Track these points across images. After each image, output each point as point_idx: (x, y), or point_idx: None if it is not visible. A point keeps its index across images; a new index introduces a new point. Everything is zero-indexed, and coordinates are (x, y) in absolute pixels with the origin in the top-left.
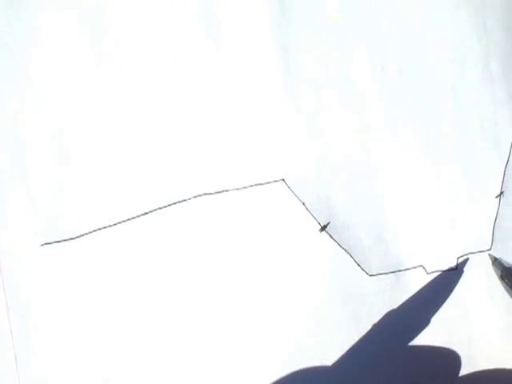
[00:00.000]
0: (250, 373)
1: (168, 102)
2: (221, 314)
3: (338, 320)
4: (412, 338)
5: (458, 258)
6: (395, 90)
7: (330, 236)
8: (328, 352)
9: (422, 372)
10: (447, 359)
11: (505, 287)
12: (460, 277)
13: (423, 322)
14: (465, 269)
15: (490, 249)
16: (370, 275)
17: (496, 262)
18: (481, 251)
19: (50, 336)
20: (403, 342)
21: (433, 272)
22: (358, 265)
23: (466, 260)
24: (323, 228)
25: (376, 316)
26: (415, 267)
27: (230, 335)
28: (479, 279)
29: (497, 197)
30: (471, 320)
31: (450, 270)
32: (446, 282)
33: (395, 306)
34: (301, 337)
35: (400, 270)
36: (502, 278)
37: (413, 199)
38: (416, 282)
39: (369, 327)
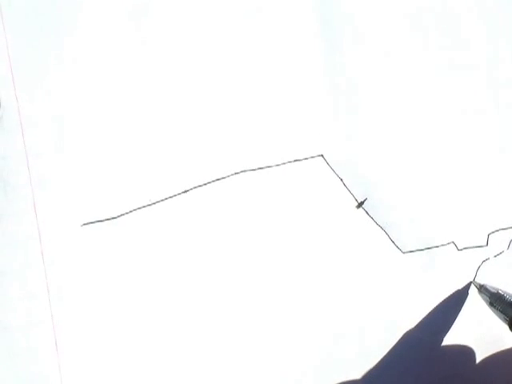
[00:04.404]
0: (285, 349)
1: (206, 78)
2: (259, 287)
3: (372, 296)
4: (426, 357)
5: (488, 235)
6: (433, 63)
7: (367, 212)
8: (361, 329)
9: (438, 374)
10: (459, 355)
11: (496, 313)
12: (466, 298)
13: (436, 342)
14: (470, 291)
15: None
16: (404, 252)
17: (482, 288)
18: (511, 227)
19: (91, 316)
20: (419, 358)
21: (463, 249)
22: (393, 242)
23: (469, 284)
24: (360, 204)
25: (408, 293)
26: (446, 244)
27: (269, 311)
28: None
29: None
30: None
31: (480, 246)
32: (454, 303)
33: (427, 283)
34: (335, 311)
35: (432, 247)
36: (492, 304)
37: (445, 176)
38: (447, 258)
39: (400, 304)
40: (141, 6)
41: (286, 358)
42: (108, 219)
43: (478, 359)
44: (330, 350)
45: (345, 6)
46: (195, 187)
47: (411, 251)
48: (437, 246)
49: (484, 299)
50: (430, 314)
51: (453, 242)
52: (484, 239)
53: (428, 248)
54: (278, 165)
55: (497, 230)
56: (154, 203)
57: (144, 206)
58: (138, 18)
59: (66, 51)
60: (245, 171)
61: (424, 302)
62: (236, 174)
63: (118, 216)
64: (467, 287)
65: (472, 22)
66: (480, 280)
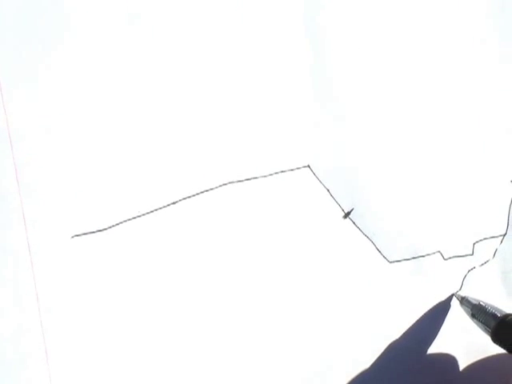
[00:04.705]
0: (272, 359)
1: (191, 89)
2: (249, 297)
3: (358, 306)
4: (411, 367)
5: (474, 244)
6: (423, 77)
7: (353, 223)
8: (348, 339)
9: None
10: (443, 364)
11: (478, 325)
12: (448, 311)
13: (419, 354)
14: (452, 303)
15: (506, 233)
16: (390, 262)
17: (464, 300)
18: (496, 236)
19: (81, 328)
20: (404, 368)
21: (449, 258)
22: (379, 251)
23: (451, 296)
24: (347, 215)
25: (395, 302)
26: (433, 253)
27: (256, 322)
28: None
29: (511, 181)
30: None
31: (466, 255)
32: (436, 316)
33: (413, 292)
34: (320, 322)
35: (418, 257)
36: (474, 315)
37: (430, 186)
38: (434, 268)
39: (387, 313)
40: (133, 12)
41: (271, 369)
42: (97, 231)
43: (462, 368)
44: (316, 359)
45: (332, 16)
46: (183, 198)
47: (398, 260)
48: (423, 256)
49: (466, 311)
50: (412, 326)
51: (439, 252)
52: (470, 248)
53: (414, 257)
54: (265, 176)
55: (482, 239)
56: (142, 215)
57: (133, 218)
58: (129, 27)
59: (54, 62)
60: (232, 182)
61: (411, 311)
62: (224, 185)
63: (108, 227)
64: (449, 299)
65: (460, 23)
66: (466, 288)
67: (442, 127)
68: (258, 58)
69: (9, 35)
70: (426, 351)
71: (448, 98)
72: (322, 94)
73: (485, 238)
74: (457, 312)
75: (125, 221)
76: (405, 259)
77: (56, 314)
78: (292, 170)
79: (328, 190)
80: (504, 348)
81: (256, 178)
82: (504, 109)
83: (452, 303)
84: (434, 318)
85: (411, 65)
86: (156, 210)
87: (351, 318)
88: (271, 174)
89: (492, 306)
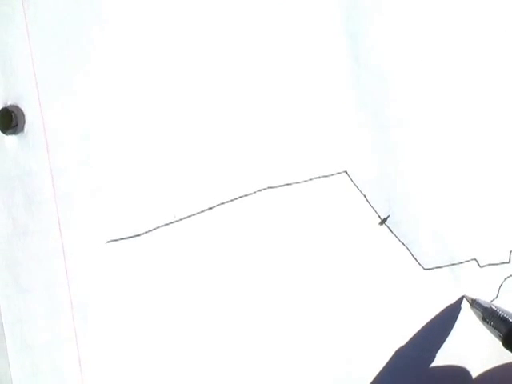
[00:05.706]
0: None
1: (230, 96)
2: (286, 303)
3: (394, 313)
4: (419, 373)
5: (510, 251)
6: (463, 83)
7: (390, 229)
8: (382, 346)
9: None
10: (456, 376)
11: (489, 329)
12: (458, 313)
13: (428, 359)
14: (462, 305)
15: None
16: (426, 269)
17: (474, 303)
18: None
19: (114, 334)
20: (414, 374)
21: (485, 265)
22: (415, 258)
23: (462, 298)
24: (383, 221)
25: (430, 309)
26: (468, 260)
27: (289, 324)
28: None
29: None
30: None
31: (503, 263)
32: (447, 319)
33: (449, 300)
34: (355, 327)
35: (454, 264)
36: (485, 319)
37: (468, 193)
38: (469, 275)
39: (422, 320)
40: (169, 21)
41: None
42: (132, 236)
43: (474, 375)
44: (341, 361)
45: (373, 23)
46: (220, 204)
47: (433, 268)
48: (459, 263)
49: (476, 314)
50: (421, 330)
51: (475, 259)
52: (506, 256)
53: (450, 265)
54: (302, 181)
55: None
56: (178, 220)
57: (169, 223)
58: (166, 36)
59: (90, 69)
60: (270, 188)
61: None
62: (261, 190)
63: (143, 233)
64: (459, 302)
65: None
66: (502, 296)
67: (480, 136)
68: (296, 64)
69: (47, 45)
70: (436, 355)
71: (492, 109)
72: (360, 101)
73: None
74: (468, 315)
75: (160, 226)
76: (440, 266)
77: (90, 319)
78: (329, 175)
79: (365, 196)
80: None
81: (293, 183)
82: None
83: (462, 305)
84: (444, 321)
85: (454, 69)
86: (192, 215)
87: (385, 324)
88: (308, 180)
89: (504, 311)
